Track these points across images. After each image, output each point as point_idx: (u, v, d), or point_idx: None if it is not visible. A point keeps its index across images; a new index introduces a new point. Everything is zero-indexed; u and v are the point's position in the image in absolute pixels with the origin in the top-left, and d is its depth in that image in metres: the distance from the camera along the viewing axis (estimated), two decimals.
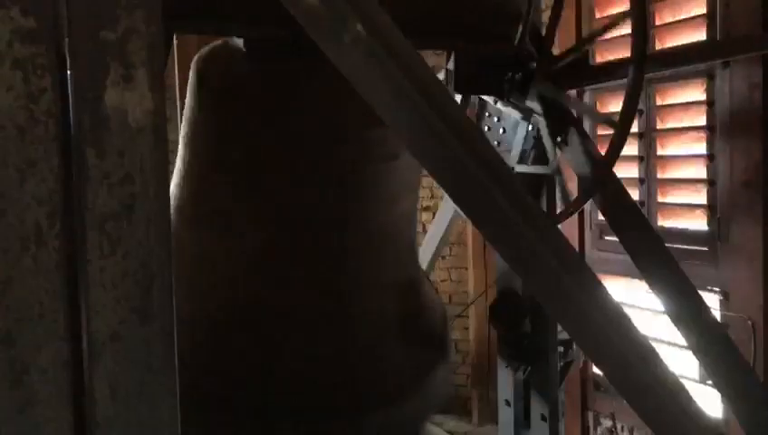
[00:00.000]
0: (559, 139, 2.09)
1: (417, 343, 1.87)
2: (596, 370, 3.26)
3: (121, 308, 0.76)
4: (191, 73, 1.76)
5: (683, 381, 1.25)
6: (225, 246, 1.71)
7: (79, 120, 0.75)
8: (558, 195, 2.18)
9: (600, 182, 1.97)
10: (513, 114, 2.21)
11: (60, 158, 0.74)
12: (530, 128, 2.21)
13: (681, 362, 2.64)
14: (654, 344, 1.22)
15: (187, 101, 1.78)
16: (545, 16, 2.23)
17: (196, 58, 1.78)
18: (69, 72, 0.76)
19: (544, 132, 2.07)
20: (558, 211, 2.19)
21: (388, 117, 1.07)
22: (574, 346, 2.35)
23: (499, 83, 2.10)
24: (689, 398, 1.22)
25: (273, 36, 1.59)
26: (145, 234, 0.76)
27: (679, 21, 2.89)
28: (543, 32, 2.13)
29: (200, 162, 1.75)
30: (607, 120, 2.06)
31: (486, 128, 2.40)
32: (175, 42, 2.62)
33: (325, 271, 1.71)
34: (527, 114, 2.15)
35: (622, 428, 3.21)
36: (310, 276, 1.69)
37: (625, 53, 2.59)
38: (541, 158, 2.18)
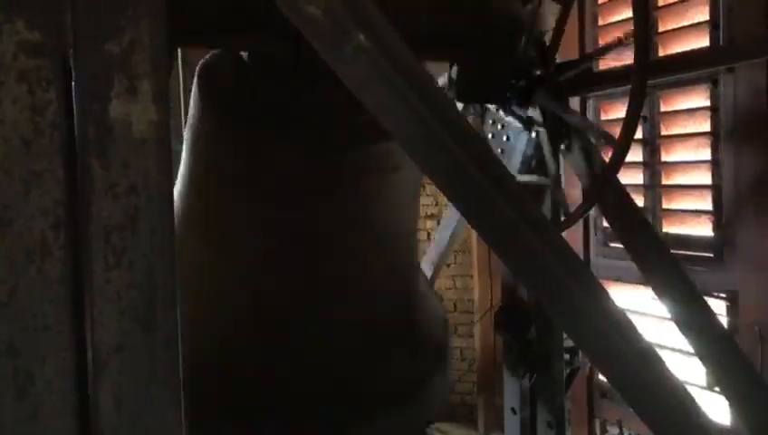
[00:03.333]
0: (563, 146, 2.09)
1: (413, 351, 1.87)
2: (602, 377, 3.24)
3: (126, 319, 0.76)
4: (194, 80, 1.78)
5: (690, 387, 1.24)
6: (223, 254, 1.73)
7: (84, 131, 0.76)
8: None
9: (604, 189, 1.96)
10: (515, 123, 2.21)
11: (65, 169, 0.75)
12: (533, 135, 2.21)
13: (688, 368, 2.63)
14: (660, 351, 1.21)
15: (191, 108, 1.79)
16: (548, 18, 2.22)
17: (199, 65, 1.79)
18: (74, 83, 0.76)
19: (545, 142, 2.08)
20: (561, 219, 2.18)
21: (391, 126, 1.07)
22: (580, 353, 2.34)
23: (501, 93, 2.10)
24: (696, 405, 1.22)
25: (272, 50, 1.60)
26: (149, 245, 0.77)
27: (682, 27, 2.89)
28: (548, 42, 2.13)
29: (202, 170, 1.76)
30: (604, 135, 2.04)
31: (490, 135, 2.41)
32: (179, 52, 2.62)
33: (322, 280, 1.72)
34: (528, 124, 2.14)
35: None
36: (307, 284, 1.70)
37: (628, 59, 2.59)
38: (543, 166, 2.18)
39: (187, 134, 1.81)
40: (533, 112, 2.08)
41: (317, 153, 1.63)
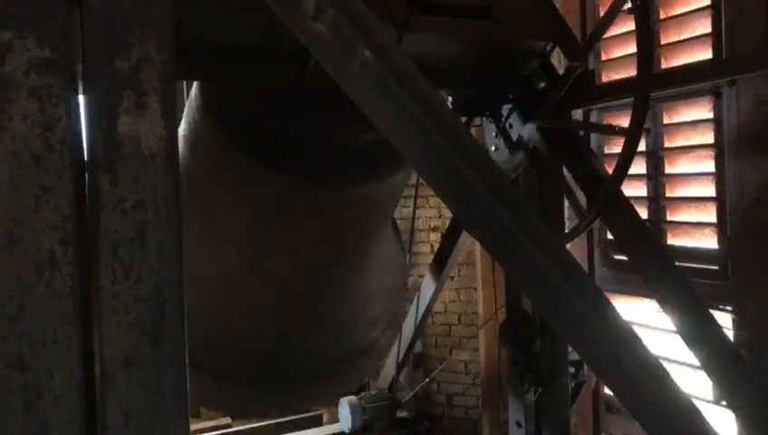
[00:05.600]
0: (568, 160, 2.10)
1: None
2: (608, 390, 3.23)
3: (134, 333, 0.76)
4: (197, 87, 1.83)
5: (696, 401, 1.24)
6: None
7: (93, 147, 0.77)
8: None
9: (609, 201, 1.96)
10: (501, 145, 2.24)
11: (74, 185, 0.75)
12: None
13: (694, 382, 2.62)
14: (666, 364, 1.21)
15: (190, 109, 1.85)
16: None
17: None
18: (83, 100, 0.77)
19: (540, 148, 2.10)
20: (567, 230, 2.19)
21: (396, 139, 1.08)
22: (585, 367, 2.33)
23: (497, 109, 2.12)
24: (702, 419, 1.21)
25: (273, 81, 1.65)
26: (157, 259, 0.77)
27: (685, 40, 2.90)
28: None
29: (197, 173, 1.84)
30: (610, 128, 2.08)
31: (492, 148, 2.42)
32: None
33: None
34: (515, 147, 2.16)
35: None
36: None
37: (631, 71, 2.60)
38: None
39: (185, 129, 1.86)
40: (530, 131, 2.09)
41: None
